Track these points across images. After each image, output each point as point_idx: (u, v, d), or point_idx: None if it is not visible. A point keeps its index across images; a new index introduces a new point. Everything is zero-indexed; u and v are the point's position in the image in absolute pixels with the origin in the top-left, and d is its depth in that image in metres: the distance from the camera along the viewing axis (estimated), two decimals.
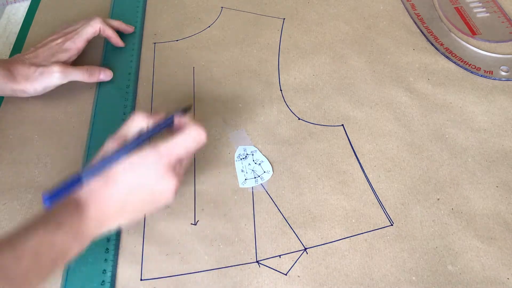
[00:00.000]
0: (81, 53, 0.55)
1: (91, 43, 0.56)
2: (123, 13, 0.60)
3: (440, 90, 0.52)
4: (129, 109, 0.50)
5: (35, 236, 0.31)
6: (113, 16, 0.59)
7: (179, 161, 0.37)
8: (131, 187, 0.35)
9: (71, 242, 0.33)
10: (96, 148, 0.39)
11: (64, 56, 0.49)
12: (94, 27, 0.51)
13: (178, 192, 0.43)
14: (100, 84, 0.52)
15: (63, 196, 0.32)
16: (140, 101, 0.51)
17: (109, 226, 0.36)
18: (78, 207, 0.34)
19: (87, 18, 0.52)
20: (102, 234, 0.36)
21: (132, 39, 0.57)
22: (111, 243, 0.40)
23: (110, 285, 0.38)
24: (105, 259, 0.39)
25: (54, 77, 0.47)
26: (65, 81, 0.48)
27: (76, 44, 0.50)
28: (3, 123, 0.48)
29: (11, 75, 0.45)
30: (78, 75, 0.49)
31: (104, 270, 0.39)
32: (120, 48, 0.56)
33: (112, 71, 0.53)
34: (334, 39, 0.57)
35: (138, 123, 0.37)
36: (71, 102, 0.51)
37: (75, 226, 0.33)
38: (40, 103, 0.50)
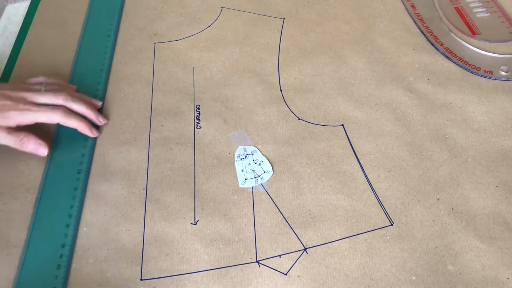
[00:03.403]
0: None
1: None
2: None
3: (440, 90, 0.52)
4: None
5: None
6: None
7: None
8: None
9: None
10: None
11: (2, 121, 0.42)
12: (52, 119, 0.44)
13: (178, 192, 0.44)
14: None
15: None
16: (139, 101, 0.51)
17: None
18: None
19: (54, 93, 0.45)
20: None
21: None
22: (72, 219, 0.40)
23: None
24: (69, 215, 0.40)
25: None
26: None
27: (21, 120, 0.43)
28: None
29: None
30: (9, 142, 0.43)
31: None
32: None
33: None
34: (334, 39, 0.57)
35: None
36: None
37: None
38: None
